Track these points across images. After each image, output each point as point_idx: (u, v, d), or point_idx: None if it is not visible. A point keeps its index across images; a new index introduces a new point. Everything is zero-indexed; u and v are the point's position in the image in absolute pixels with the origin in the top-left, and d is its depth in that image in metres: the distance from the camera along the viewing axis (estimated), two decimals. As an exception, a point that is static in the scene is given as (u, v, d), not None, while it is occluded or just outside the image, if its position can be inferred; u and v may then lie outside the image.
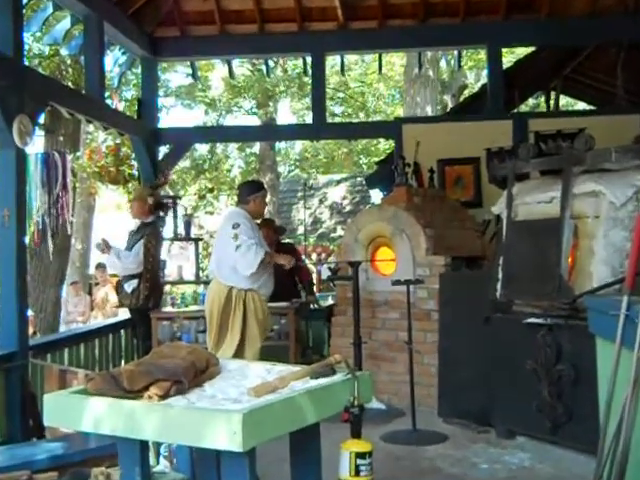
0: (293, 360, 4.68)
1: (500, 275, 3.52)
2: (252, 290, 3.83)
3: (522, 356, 3.32)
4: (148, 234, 4.93)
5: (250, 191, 3.95)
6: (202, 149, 16.02)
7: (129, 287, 4.83)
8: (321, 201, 15.93)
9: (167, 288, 6.60)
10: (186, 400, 1.79)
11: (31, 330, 6.22)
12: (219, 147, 16.77)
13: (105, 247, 4.77)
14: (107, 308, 8.32)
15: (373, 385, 2.22)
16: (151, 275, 4.84)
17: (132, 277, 4.81)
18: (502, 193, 3.69)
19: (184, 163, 16.05)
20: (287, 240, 14.59)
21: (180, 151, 6.28)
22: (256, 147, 16.46)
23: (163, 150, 6.42)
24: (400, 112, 14.29)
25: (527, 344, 3.30)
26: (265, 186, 4.26)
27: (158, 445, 2.41)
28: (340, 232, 13.81)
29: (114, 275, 6.33)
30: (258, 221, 4.19)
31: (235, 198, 4.35)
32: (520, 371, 3.33)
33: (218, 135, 7.33)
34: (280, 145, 18.50)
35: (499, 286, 3.51)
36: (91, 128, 7.89)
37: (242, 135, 6.93)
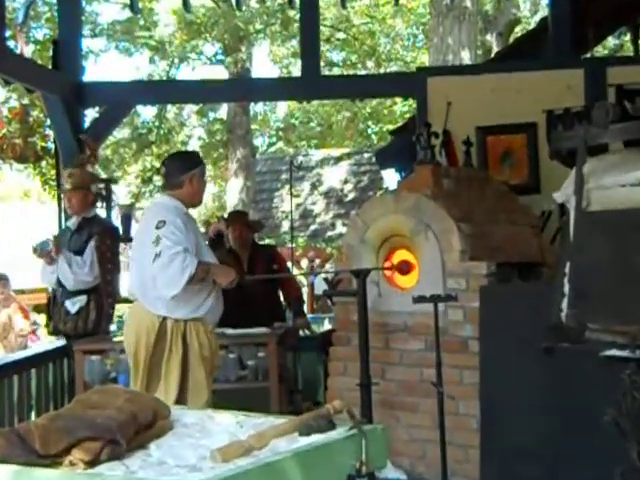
0: (276, 409, 4.67)
1: (567, 289, 3.51)
2: (195, 320, 3.79)
3: (600, 403, 3.30)
4: (98, 233, 4.98)
5: (182, 168, 3.88)
6: (147, 113, 16.03)
7: (74, 306, 4.86)
8: (314, 186, 15.96)
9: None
10: (124, 467, 1.78)
11: None
12: (170, 110, 16.78)
13: (56, 251, 4.80)
14: (11, 337, 8.30)
15: (388, 445, 2.22)
16: (112, 289, 4.91)
17: (78, 293, 4.82)
18: (569, 173, 3.69)
19: (121, 133, 16.08)
20: (267, 241, 14.50)
21: (115, 116, 6.27)
22: (223, 111, 16.47)
23: (91, 114, 6.41)
24: (425, 60, 14.35)
25: (606, 386, 3.28)
26: (202, 158, 4.22)
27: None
28: (341, 229, 13.87)
29: (22, 291, 6.31)
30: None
31: None
32: (597, 424, 3.33)
33: (169, 93, 7.27)
34: (256, 108, 18.54)
35: (565, 304, 3.50)
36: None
37: (203, 94, 6.89)
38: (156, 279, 3.67)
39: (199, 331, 3.79)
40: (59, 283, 4.97)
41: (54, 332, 5.13)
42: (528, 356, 3.69)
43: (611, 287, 3.35)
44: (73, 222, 5.15)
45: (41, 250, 4.88)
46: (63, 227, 5.45)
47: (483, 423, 3.94)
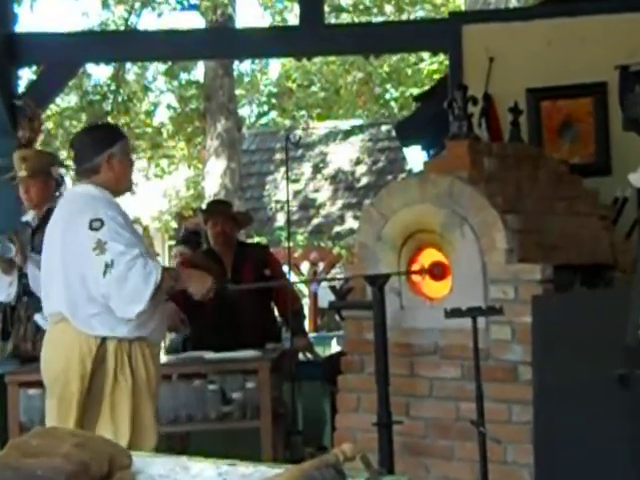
0: (269, 455, 4.69)
1: (646, 299, 3.51)
2: (140, 340, 3.77)
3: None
4: None
5: (96, 148, 3.86)
6: (100, 74, 16.05)
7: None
8: (317, 168, 16.01)
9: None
10: (71, 533, 1.77)
11: None
12: (131, 71, 16.81)
13: (22, 257, 4.88)
14: None
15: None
16: None
17: None
18: (648, 148, 3.69)
19: (67, 100, 16.10)
20: (257, 239, 14.60)
21: (58, 78, 6.30)
22: (199, 71, 16.49)
23: (27, 75, 6.41)
24: (460, 3, 14.35)
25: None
26: (121, 131, 4.21)
27: None
28: (352, 223, 13.89)
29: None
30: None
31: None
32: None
33: (128, 48, 7.30)
34: (243, 67, 18.55)
35: (644, 319, 3.50)
36: None
37: (172, 49, 6.92)
38: (110, 297, 3.64)
39: (145, 355, 3.77)
40: (22, 294, 5.01)
41: (14, 355, 5.15)
42: (597, 387, 3.68)
43: None
44: (32, 217, 5.19)
45: (1, 257, 4.91)
46: (19, 223, 5.44)
47: (538, 475, 3.94)
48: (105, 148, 3.85)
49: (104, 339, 3.72)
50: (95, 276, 3.63)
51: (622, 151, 5.31)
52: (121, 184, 3.93)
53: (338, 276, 9.43)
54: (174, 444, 5.21)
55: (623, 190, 4.90)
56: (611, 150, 5.62)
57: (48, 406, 3.87)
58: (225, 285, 4.46)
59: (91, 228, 3.65)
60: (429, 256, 4.43)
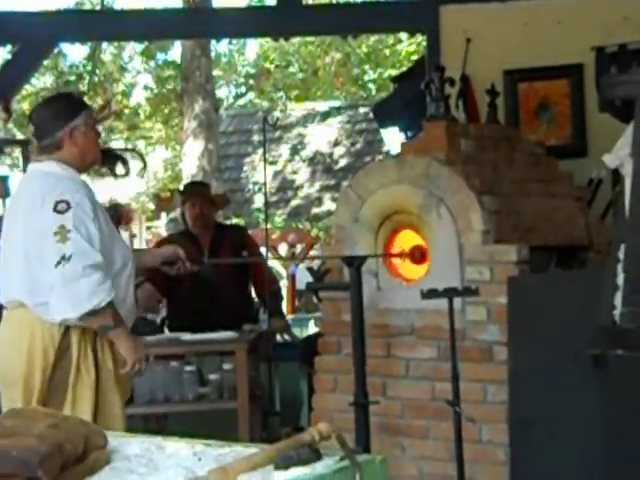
0: (245, 436, 4.71)
1: (621, 280, 3.53)
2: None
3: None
4: None
5: (56, 121, 3.62)
6: (75, 54, 15.90)
7: None
8: (295, 150, 15.97)
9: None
10: (46, 513, 1.77)
11: None
12: (107, 51, 16.69)
13: None
14: None
15: (390, 481, 2.22)
16: None
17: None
18: (623, 129, 3.69)
19: (42, 81, 15.96)
20: (234, 220, 14.52)
21: (33, 58, 6.23)
22: (176, 52, 16.39)
23: (2, 54, 6.35)
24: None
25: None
26: (83, 100, 3.94)
27: None
28: (329, 205, 13.88)
29: None
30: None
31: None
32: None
33: (104, 28, 7.24)
34: (220, 48, 18.46)
35: (619, 300, 3.52)
36: None
37: (149, 28, 6.87)
38: (52, 289, 3.40)
39: (111, 343, 3.56)
40: None
41: None
42: (571, 367, 3.70)
43: (678, 277, 3.36)
44: None
45: None
46: None
47: (513, 454, 3.97)
48: (66, 121, 3.60)
49: (67, 328, 3.50)
50: (48, 261, 3.40)
51: (598, 133, 5.32)
52: (86, 158, 3.67)
53: (316, 255, 9.43)
54: (151, 425, 5.21)
55: (598, 172, 4.92)
56: (587, 132, 5.64)
57: (6, 399, 3.64)
58: (202, 259, 4.40)
59: (55, 210, 3.41)
60: (406, 237, 4.44)
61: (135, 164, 4.37)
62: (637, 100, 3.64)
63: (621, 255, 3.54)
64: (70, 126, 3.59)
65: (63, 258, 3.36)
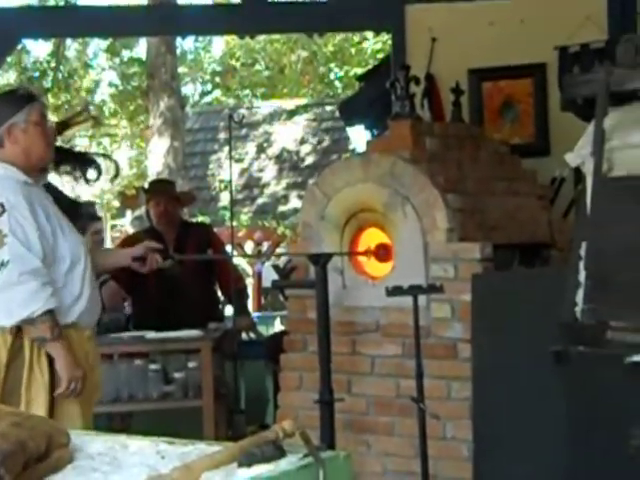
0: (210, 434, 4.70)
1: (583, 277, 3.55)
2: (65, 328, 3.46)
3: (626, 423, 3.36)
4: None
5: (3, 114, 3.48)
6: (39, 50, 15.78)
7: None
8: (261, 148, 15.93)
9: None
10: (8, 512, 1.76)
11: None
12: (71, 47, 16.55)
13: None
14: None
15: (354, 477, 2.23)
16: None
17: None
18: (585, 128, 3.72)
19: (5, 77, 15.79)
20: (200, 218, 14.46)
21: (-4, 53, 6.18)
22: (141, 48, 16.30)
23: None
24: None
25: (634, 401, 3.34)
26: (30, 93, 3.71)
27: None
28: (295, 203, 13.86)
29: None
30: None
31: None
32: (623, 451, 3.37)
33: (68, 24, 7.18)
34: (186, 45, 18.38)
35: (581, 297, 3.55)
36: None
37: (114, 25, 6.83)
38: None
39: (71, 342, 3.46)
40: None
41: None
42: (533, 363, 3.73)
43: (639, 274, 3.39)
44: None
45: None
46: None
47: (477, 450, 3.98)
48: (4, 119, 3.45)
49: (19, 329, 3.39)
50: None
51: (560, 132, 5.35)
52: (32, 157, 3.48)
53: (281, 253, 9.43)
54: (115, 424, 5.19)
55: (561, 170, 4.95)
56: (550, 131, 5.67)
57: None
58: (171, 255, 4.36)
59: None
60: (371, 235, 4.45)
61: (106, 166, 4.29)
62: (597, 99, 3.68)
63: (582, 253, 3.57)
64: (8, 124, 3.45)
65: (0, 264, 3.26)
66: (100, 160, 4.06)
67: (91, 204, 6.98)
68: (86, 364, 3.54)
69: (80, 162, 3.89)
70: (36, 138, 3.49)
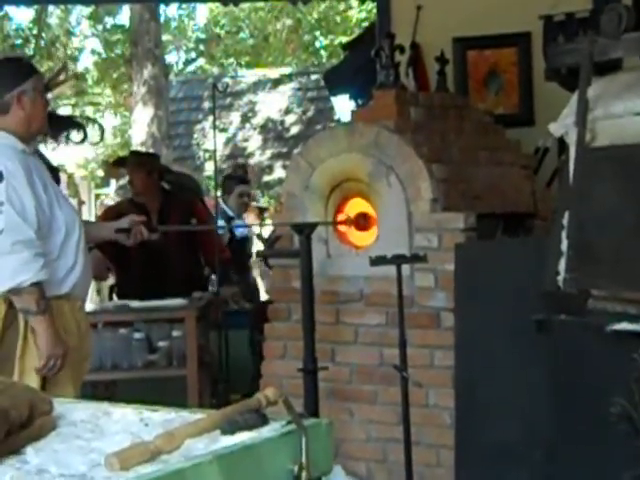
0: (194, 403, 4.71)
1: (565, 246, 3.57)
2: (57, 299, 3.48)
3: (606, 390, 3.38)
4: None
5: (8, 83, 3.49)
6: (21, 17, 15.63)
7: None
8: (245, 117, 15.89)
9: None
10: (-9, 479, 1.76)
11: None
12: (53, 14, 16.41)
13: None
14: None
15: (336, 445, 2.25)
16: None
17: None
18: (570, 98, 3.72)
19: (-12, 44, 15.67)
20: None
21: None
22: (124, 15, 16.17)
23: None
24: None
25: (615, 369, 3.36)
26: (34, 65, 3.77)
27: None
28: (280, 173, 13.86)
29: None
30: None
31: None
32: (602, 417, 3.40)
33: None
34: (169, 12, 18.24)
35: (563, 266, 3.56)
36: None
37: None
38: None
39: (63, 313, 3.49)
40: None
41: None
42: (516, 332, 3.75)
43: (621, 243, 3.41)
44: None
45: None
46: None
47: (459, 417, 4.01)
48: (16, 85, 3.47)
49: (12, 301, 3.39)
50: None
51: (545, 101, 5.34)
52: (32, 126, 3.52)
53: (265, 223, 9.43)
54: (99, 392, 5.19)
55: (545, 140, 4.96)
56: (534, 100, 5.66)
57: None
58: (155, 227, 4.35)
59: None
60: (356, 205, 4.46)
61: (90, 131, 4.27)
62: (581, 69, 3.68)
63: (565, 222, 3.58)
64: (19, 90, 3.47)
65: None
66: (85, 123, 4.07)
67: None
68: (78, 334, 3.56)
69: (65, 125, 3.90)
70: (39, 108, 3.53)
